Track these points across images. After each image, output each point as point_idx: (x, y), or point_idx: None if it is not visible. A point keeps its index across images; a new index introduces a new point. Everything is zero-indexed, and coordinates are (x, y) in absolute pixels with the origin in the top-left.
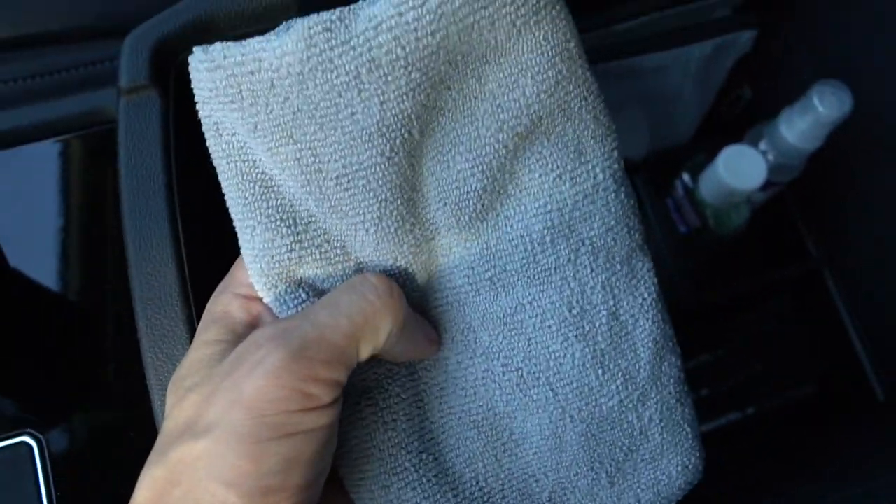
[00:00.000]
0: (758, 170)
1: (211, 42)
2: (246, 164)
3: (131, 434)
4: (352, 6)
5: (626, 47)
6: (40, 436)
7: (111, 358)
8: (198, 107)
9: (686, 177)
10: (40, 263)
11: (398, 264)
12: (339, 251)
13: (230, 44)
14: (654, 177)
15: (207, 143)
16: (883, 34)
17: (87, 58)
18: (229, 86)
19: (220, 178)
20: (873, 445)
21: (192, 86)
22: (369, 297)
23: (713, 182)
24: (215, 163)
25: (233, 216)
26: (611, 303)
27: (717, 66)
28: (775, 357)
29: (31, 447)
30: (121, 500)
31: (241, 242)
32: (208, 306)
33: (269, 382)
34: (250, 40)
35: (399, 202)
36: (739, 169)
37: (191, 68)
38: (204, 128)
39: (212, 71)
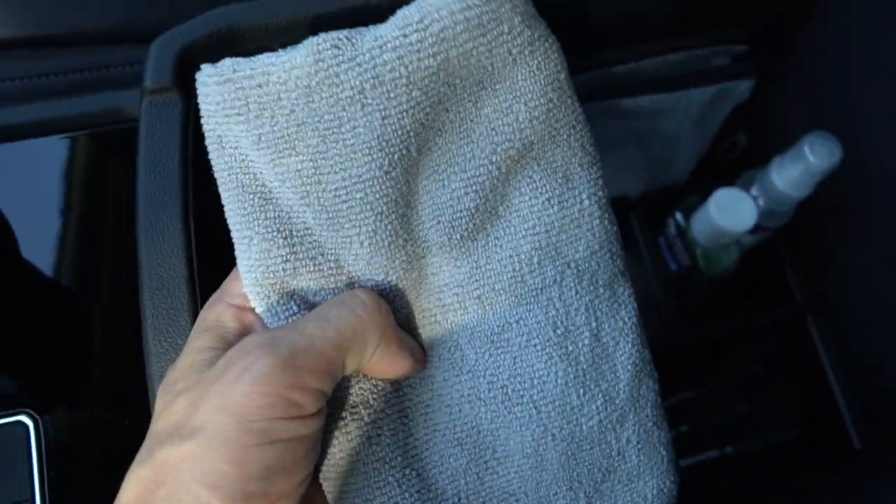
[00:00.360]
0: (748, 213)
1: (234, 52)
2: (247, 176)
3: (127, 423)
4: (360, 28)
5: (627, 88)
6: (38, 416)
7: (112, 349)
8: (202, 121)
9: (679, 216)
10: (46, 253)
11: (389, 280)
12: (332, 264)
13: (240, 59)
14: (648, 215)
15: (210, 157)
16: (871, 89)
17: (108, 60)
18: (237, 98)
19: (221, 190)
20: (848, 492)
21: (199, 100)
22: (358, 311)
23: (705, 223)
24: (217, 175)
25: (231, 227)
26: (593, 324)
27: (714, 112)
28: (757, 398)
29: (27, 427)
30: (112, 488)
31: (237, 253)
32: (201, 315)
33: (256, 389)
34: (259, 56)
35: (394, 217)
36: (730, 211)
37: (198, 83)
38: (207, 141)
39: (221, 84)
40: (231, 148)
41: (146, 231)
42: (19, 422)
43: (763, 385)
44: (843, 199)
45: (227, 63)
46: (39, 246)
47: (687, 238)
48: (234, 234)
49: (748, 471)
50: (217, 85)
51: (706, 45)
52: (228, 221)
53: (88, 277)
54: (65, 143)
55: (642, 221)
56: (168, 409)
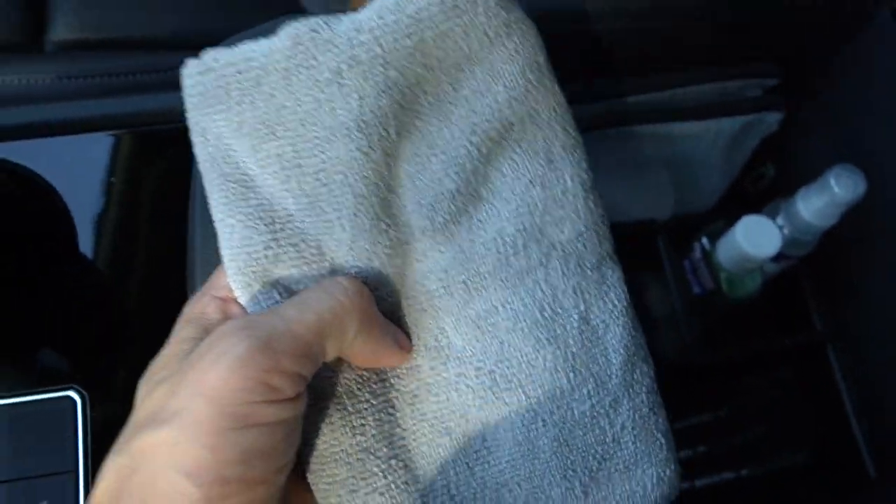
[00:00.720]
0: (773, 240)
1: None
2: (228, 166)
3: None
4: (338, 14)
5: (659, 114)
6: (84, 392)
7: (154, 331)
8: (187, 115)
9: (705, 240)
10: (96, 239)
11: (373, 265)
12: (314, 251)
13: (221, 49)
14: (674, 238)
15: (194, 150)
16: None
17: (166, 64)
18: (219, 87)
19: (204, 181)
20: None
21: (183, 94)
22: (338, 295)
23: (730, 248)
24: (200, 168)
25: (214, 217)
26: (581, 307)
27: (743, 142)
28: (775, 423)
29: (74, 402)
30: None
31: (220, 241)
32: (185, 307)
33: (233, 372)
34: (240, 45)
35: (375, 200)
36: (756, 238)
37: (182, 77)
38: (192, 135)
39: (203, 74)
40: (214, 139)
41: (202, 219)
42: (67, 397)
43: (780, 409)
44: (866, 230)
45: (209, 53)
46: (89, 232)
47: (712, 262)
48: (217, 224)
49: (763, 494)
50: (199, 75)
51: (739, 78)
52: (212, 212)
53: (133, 263)
54: (117, 139)
55: (668, 244)
56: (148, 397)
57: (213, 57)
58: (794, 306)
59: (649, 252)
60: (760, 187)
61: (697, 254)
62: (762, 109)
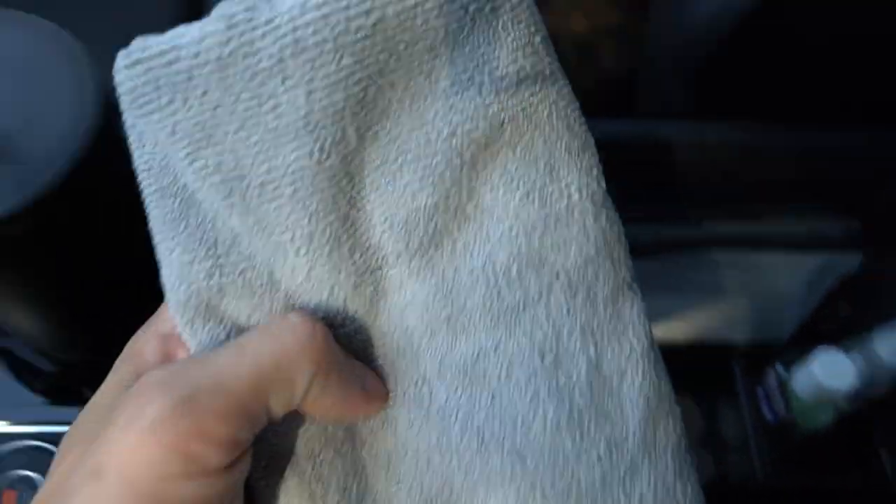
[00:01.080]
0: (849, 376)
1: None
2: (167, 177)
3: None
4: None
5: (740, 243)
6: None
7: None
8: (123, 117)
9: (780, 368)
10: None
11: (335, 297)
12: (265, 279)
13: (151, 36)
14: (749, 363)
15: (133, 158)
16: None
17: None
18: (147, 82)
19: (144, 195)
20: None
21: (117, 93)
22: (284, 338)
23: (806, 378)
24: (139, 178)
25: (154, 238)
26: (591, 351)
27: (823, 278)
28: None
29: None
30: None
31: (161, 268)
32: (128, 344)
33: (145, 439)
34: (173, 29)
35: (334, 217)
36: (832, 371)
37: (114, 72)
38: (130, 140)
39: (130, 68)
40: (150, 145)
41: None
42: None
43: None
44: None
45: (137, 42)
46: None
47: (786, 391)
48: (157, 247)
49: None
50: (127, 69)
51: (822, 216)
52: (152, 232)
53: None
54: None
55: (743, 369)
56: (58, 465)
57: (142, 45)
58: (865, 447)
59: (723, 376)
60: (836, 321)
61: (772, 382)
62: (843, 249)
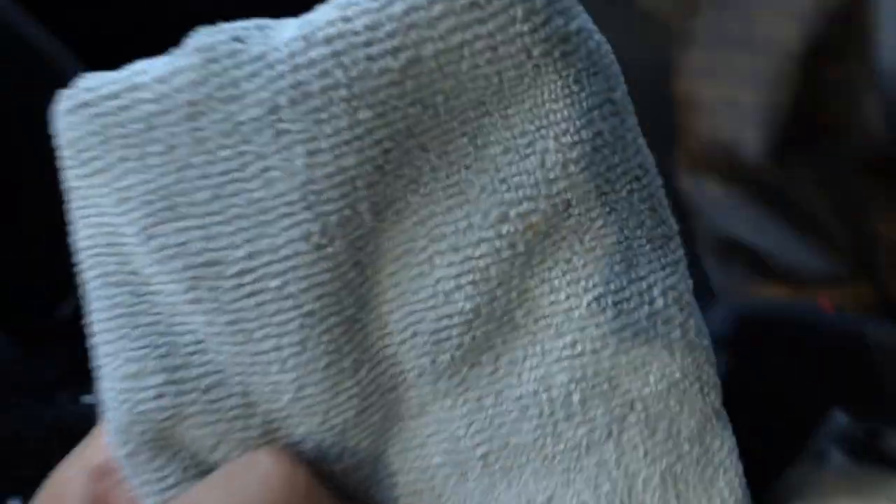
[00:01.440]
0: None
1: None
2: (113, 259)
3: None
4: (286, 19)
5: None
6: None
7: None
8: (63, 172)
9: None
10: None
11: (330, 425)
12: (237, 399)
13: (101, 73)
14: None
15: (74, 228)
16: None
17: None
18: (93, 133)
19: (83, 279)
20: None
21: (57, 144)
22: (250, 488)
23: None
24: (78, 258)
25: (92, 339)
26: None
27: None
28: None
29: None
30: None
31: (100, 378)
32: (48, 480)
33: None
34: (134, 64)
35: (335, 321)
36: None
37: (53, 118)
38: (70, 207)
39: (73, 112)
40: (95, 215)
41: None
42: None
43: None
44: None
45: (83, 80)
46: None
47: None
48: (96, 350)
49: None
50: (69, 115)
51: None
52: (93, 329)
53: None
54: None
55: None
56: None
57: (90, 84)
58: None
59: None
60: None
61: None
62: None
